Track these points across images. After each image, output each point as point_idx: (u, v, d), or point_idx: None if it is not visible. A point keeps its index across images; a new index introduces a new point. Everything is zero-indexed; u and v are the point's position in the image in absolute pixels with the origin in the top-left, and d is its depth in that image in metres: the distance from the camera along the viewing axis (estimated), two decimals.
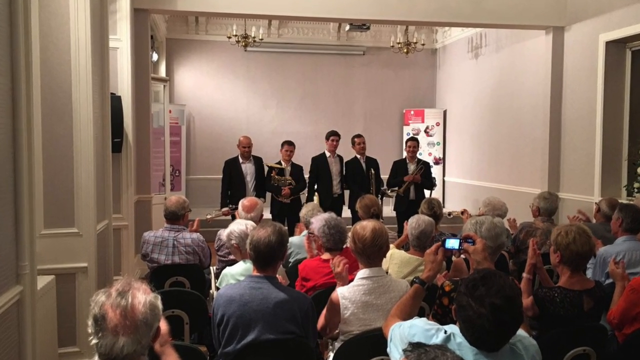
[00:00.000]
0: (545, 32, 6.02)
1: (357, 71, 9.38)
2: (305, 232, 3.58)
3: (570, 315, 2.32)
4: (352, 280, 2.36)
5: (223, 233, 3.27)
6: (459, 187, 8.77)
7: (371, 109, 9.45)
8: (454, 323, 1.62)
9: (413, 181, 6.07)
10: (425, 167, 6.22)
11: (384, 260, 2.70)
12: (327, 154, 6.10)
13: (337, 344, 2.31)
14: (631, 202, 3.93)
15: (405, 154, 6.57)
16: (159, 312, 1.46)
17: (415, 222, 3.10)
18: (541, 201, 3.96)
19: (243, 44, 7.79)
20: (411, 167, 6.18)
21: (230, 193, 5.88)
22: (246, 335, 2.12)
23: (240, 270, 2.74)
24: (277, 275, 2.31)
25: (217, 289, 2.78)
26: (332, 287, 2.44)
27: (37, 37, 2.86)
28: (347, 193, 6.20)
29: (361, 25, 8.23)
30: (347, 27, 8.74)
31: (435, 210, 3.76)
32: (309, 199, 6.07)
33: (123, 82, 4.85)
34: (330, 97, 9.32)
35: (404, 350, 1.25)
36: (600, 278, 3.03)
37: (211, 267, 3.60)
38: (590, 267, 3.15)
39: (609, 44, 5.21)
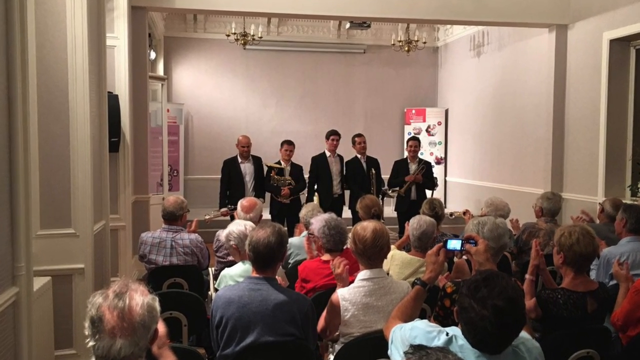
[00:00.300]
0: (548, 30, 5.99)
1: (358, 70, 9.35)
2: (305, 232, 3.56)
3: (574, 317, 2.31)
4: (352, 281, 2.34)
5: (222, 234, 3.26)
6: (460, 187, 8.74)
7: (372, 108, 9.42)
8: (456, 325, 1.60)
9: (414, 181, 6.03)
10: (426, 167, 6.19)
11: (385, 261, 2.69)
12: (327, 153, 6.07)
13: (338, 347, 2.30)
14: (635, 203, 3.92)
15: (406, 154, 6.54)
16: (156, 313, 1.46)
17: (417, 223, 3.09)
18: (544, 201, 3.93)
19: (242, 42, 7.75)
20: (412, 167, 6.15)
21: (229, 193, 5.85)
22: (245, 337, 2.11)
23: (239, 272, 2.72)
24: (277, 277, 2.29)
25: (216, 290, 2.77)
26: (332, 289, 2.43)
27: (33, 35, 2.84)
28: (347, 193, 6.18)
29: (362, 23, 8.19)
30: (348, 25, 8.70)
31: (436, 210, 3.75)
32: (309, 199, 6.04)
33: (120, 81, 4.83)
34: (331, 96, 9.30)
35: (405, 353, 1.22)
36: (604, 279, 3.01)
37: (210, 269, 3.58)
38: (593, 268, 3.13)
39: (613, 42, 5.19)
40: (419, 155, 6.43)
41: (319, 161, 6.05)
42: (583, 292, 2.34)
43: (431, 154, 9.19)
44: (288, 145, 5.96)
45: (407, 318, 1.89)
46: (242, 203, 3.67)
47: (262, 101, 9.12)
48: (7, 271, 2.11)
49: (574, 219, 4.21)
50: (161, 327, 1.56)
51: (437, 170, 8.76)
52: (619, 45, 5.20)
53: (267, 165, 6.03)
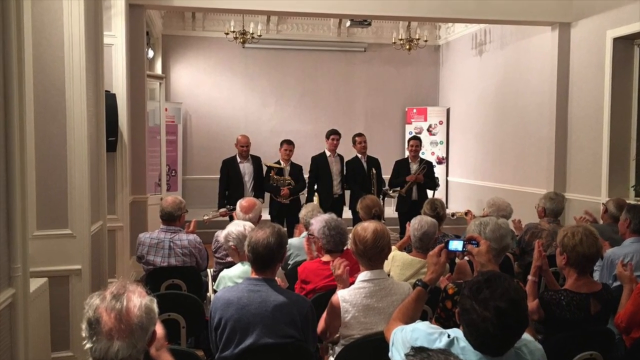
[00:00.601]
0: (551, 29, 5.97)
1: (358, 68, 9.33)
2: (304, 233, 3.54)
3: (577, 319, 2.30)
4: (353, 282, 2.33)
5: (221, 234, 3.24)
6: (462, 188, 8.72)
7: (372, 107, 9.40)
8: (458, 327, 1.60)
9: (415, 181, 6.01)
10: (428, 166, 6.16)
11: (386, 262, 2.67)
12: (328, 153, 6.05)
13: (338, 349, 2.28)
14: (639, 203, 3.87)
15: (407, 154, 6.51)
16: (154, 315, 1.45)
17: (418, 223, 3.07)
18: (547, 202, 3.91)
19: (241, 40, 7.71)
20: (413, 167, 6.12)
21: (227, 193, 5.83)
22: (244, 339, 2.10)
23: (238, 273, 2.72)
24: (276, 278, 2.27)
25: (215, 291, 2.75)
26: (333, 290, 2.42)
27: (29, 33, 2.83)
28: (347, 193, 6.15)
29: (362, 22, 8.16)
30: (348, 23, 8.66)
31: (438, 211, 3.73)
32: (309, 199, 6.01)
33: (118, 80, 4.82)
34: (331, 94, 9.27)
35: (407, 355, 1.21)
36: (608, 280, 2.99)
37: (208, 270, 3.57)
38: (597, 270, 3.12)
39: (617, 41, 5.16)
40: (420, 155, 6.39)
41: (319, 161, 6.02)
42: (586, 293, 2.33)
43: (432, 153, 9.15)
44: (287, 144, 5.93)
45: (408, 320, 1.87)
46: (241, 203, 3.65)
47: (262, 100, 9.09)
48: (4, 272, 2.10)
49: (577, 220, 4.19)
50: (159, 329, 1.55)
51: (439, 170, 8.73)
52: (622, 44, 5.18)
53: (266, 165, 6.00)
